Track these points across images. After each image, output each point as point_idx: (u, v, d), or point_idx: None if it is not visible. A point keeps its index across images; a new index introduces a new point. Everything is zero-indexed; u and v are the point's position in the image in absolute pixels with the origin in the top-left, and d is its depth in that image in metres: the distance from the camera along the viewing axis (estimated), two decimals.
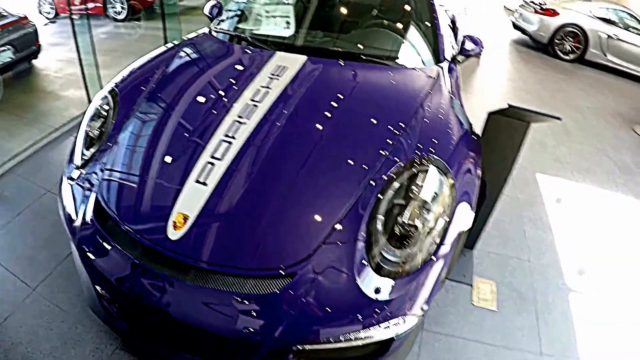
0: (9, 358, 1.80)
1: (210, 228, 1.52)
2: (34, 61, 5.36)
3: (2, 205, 2.63)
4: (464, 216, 1.66)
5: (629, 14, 7.27)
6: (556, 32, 7.47)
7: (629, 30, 7.13)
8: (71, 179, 1.83)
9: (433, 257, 1.52)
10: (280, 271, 1.42)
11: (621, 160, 4.23)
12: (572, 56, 7.49)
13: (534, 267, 2.60)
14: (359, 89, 2.15)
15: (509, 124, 2.11)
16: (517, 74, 6.54)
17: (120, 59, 4.62)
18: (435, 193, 1.60)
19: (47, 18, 8.05)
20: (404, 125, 1.83)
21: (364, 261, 1.46)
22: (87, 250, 1.59)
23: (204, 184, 1.59)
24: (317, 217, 1.53)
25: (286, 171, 1.66)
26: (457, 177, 1.68)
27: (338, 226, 1.50)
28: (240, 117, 1.84)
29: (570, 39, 7.42)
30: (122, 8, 8.03)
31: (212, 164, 1.65)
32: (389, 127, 1.83)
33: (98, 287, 1.66)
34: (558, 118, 1.88)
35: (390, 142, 1.75)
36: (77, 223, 1.66)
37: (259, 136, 1.76)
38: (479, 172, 1.85)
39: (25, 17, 4.98)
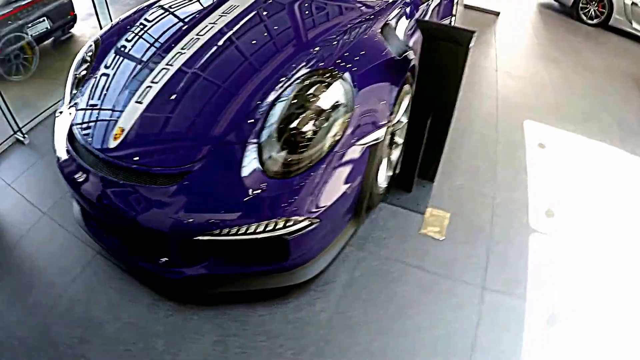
0: (35, 264, 2.23)
1: (138, 137, 1.87)
2: (72, 30, 5.63)
3: (30, 150, 3.08)
4: (369, 130, 1.85)
5: None
6: None
7: None
8: (59, 115, 2.22)
9: (323, 164, 1.68)
10: (178, 169, 1.72)
11: (623, 118, 4.14)
12: (596, 21, 7.20)
13: (498, 204, 2.63)
14: (292, 16, 2.39)
15: (447, 49, 2.04)
16: (533, 31, 6.36)
17: None
18: (333, 105, 1.76)
19: None
20: (323, 43, 2.07)
21: (252, 162, 1.68)
22: (65, 171, 1.95)
23: (140, 102, 1.95)
24: (213, 125, 1.82)
25: (199, 89, 1.99)
26: (364, 92, 1.87)
27: (230, 132, 1.77)
28: (182, 48, 2.18)
29: (595, 2, 7.07)
30: None
31: (150, 87, 2.01)
32: (308, 43, 2.10)
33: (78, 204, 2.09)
34: (497, 13, 1.87)
35: (301, 58, 1.99)
36: (59, 150, 2.03)
37: (189, 63, 2.09)
38: (395, 90, 2.06)
39: None
